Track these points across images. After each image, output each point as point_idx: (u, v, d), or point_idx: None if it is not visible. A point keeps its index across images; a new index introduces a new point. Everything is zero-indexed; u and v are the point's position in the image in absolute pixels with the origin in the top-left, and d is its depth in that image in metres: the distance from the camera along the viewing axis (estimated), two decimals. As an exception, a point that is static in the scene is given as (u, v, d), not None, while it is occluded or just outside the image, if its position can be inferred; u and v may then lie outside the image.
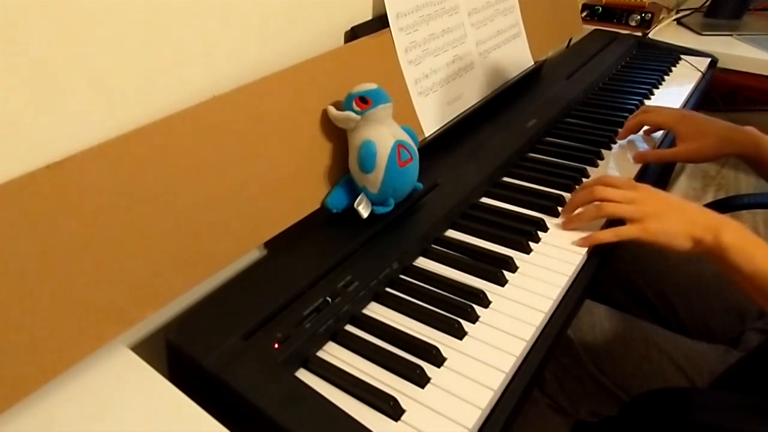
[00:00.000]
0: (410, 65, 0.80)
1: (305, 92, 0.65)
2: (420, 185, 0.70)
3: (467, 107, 0.90)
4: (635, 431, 0.64)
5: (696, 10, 1.56)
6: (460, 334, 0.54)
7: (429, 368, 0.51)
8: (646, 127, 0.92)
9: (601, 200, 0.66)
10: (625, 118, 0.98)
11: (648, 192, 0.66)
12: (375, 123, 0.64)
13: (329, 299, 0.55)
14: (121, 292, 0.49)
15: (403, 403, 0.47)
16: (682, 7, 1.59)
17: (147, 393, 0.47)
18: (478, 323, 0.56)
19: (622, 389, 0.76)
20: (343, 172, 0.68)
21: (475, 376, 0.50)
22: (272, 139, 0.61)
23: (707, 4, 1.55)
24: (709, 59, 1.26)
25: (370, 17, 0.79)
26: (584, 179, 0.82)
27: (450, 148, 0.84)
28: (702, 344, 0.76)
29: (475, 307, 0.57)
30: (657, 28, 1.44)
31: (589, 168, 0.84)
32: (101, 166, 0.48)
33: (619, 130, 0.94)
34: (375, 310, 0.58)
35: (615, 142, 0.92)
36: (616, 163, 0.87)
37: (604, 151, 0.89)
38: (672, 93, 1.12)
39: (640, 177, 0.84)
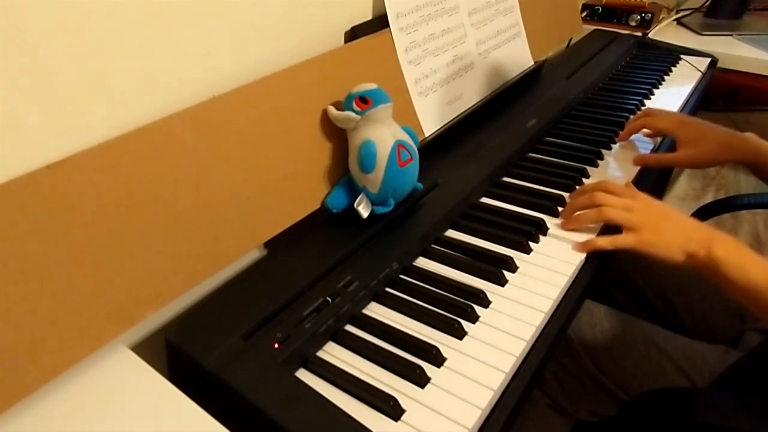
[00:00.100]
0: (410, 65, 0.80)
1: (305, 92, 0.65)
2: (420, 185, 0.70)
3: (467, 107, 0.90)
4: (635, 431, 0.64)
5: (696, 10, 1.56)
6: (460, 334, 0.54)
7: (429, 368, 0.51)
8: (646, 130, 0.92)
9: (601, 206, 0.66)
10: (626, 118, 0.98)
11: (646, 202, 0.66)
12: (375, 123, 0.64)
13: (329, 299, 0.55)
14: (121, 292, 0.49)
15: (403, 403, 0.47)
16: (682, 7, 1.59)
17: (147, 393, 0.47)
18: (478, 323, 0.56)
19: (622, 389, 0.76)
20: (343, 172, 0.68)
21: (475, 376, 0.50)
22: (272, 139, 0.61)
23: (707, 4, 1.55)
24: (709, 59, 1.26)
25: (370, 17, 0.79)
26: (584, 179, 0.82)
27: (450, 148, 0.84)
28: (702, 344, 0.76)
29: (475, 307, 0.57)
30: (657, 28, 1.44)
31: (589, 168, 0.84)
32: (101, 166, 0.48)
33: (620, 130, 0.94)
34: (375, 310, 0.58)
35: (615, 142, 0.92)
36: (616, 164, 0.87)
37: (604, 151, 0.89)
38: (672, 93, 1.12)
39: (640, 177, 0.84)
